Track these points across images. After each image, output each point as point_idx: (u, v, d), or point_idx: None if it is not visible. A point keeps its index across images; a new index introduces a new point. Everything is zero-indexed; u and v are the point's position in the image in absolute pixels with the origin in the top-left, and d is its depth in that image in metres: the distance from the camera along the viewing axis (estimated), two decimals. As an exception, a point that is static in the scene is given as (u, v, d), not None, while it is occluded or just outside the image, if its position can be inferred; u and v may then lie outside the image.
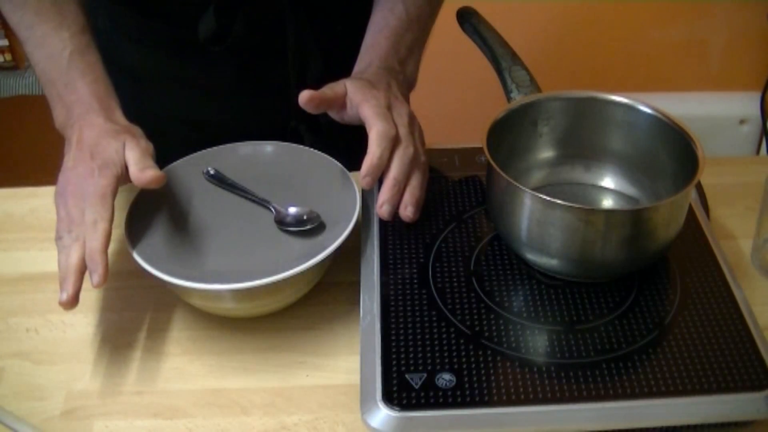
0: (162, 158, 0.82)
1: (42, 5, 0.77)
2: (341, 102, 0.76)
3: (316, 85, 0.77)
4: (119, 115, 0.76)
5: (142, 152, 0.72)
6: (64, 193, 0.71)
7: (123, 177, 0.71)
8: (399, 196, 0.73)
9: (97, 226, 0.68)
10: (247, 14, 0.87)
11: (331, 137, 0.77)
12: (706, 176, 0.70)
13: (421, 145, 0.77)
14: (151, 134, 0.99)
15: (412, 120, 0.77)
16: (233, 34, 0.87)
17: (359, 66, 0.83)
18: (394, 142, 0.73)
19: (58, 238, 0.69)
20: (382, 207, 0.72)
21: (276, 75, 0.92)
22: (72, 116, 0.75)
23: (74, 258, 0.67)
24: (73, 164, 0.71)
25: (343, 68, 0.82)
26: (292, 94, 0.93)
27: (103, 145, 0.71)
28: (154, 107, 0.96)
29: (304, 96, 0.75)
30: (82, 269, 0.67)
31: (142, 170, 0.70)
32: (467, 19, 0.89)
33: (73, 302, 0.66)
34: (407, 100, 0.82)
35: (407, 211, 0.73)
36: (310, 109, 0.75)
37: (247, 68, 0.92)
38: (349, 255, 0.75)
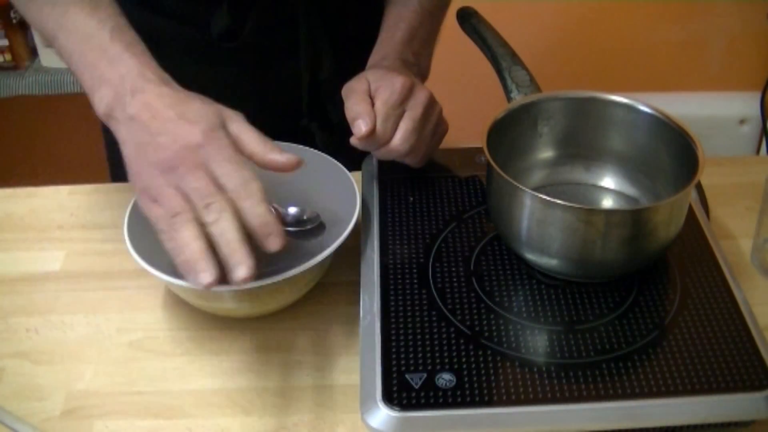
0: None
1: None
2: (371, 102, 0.76)
3: (331, 85, 0.76)
4: (180, 87, 0.66)
5: (253, 129, 0.62)
6: (175, 169, 0.60)
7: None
8: (387, 132, 0.74)
9: (249, 187, 0.59)
10: (261, 11, 0.87)
11: (343, 136, 0.77)
12: (706, 176, 0.70)
13: (440, 118, 0.80)
14: None
15: (432, 101, 0.78)
16: (246, 31, 0.87)
17: (374, 59, 0.83)
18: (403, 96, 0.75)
19: (174, 215, 0.59)
20: (356, 120, 0.74)
21: (288, 73, 0.92)
22: (124, 91, 0.64)
23: (232, 230, 0.58)
24: (161, 133, 0.61)
25: (355, 66, 0.82)
26: (304, 92, 0.93)
27: (195, 107, 0.62)
28: None
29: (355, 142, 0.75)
30: (245, 237, 0.59)
31: (271, 151, 0.62)
32: (467, 19, 0.89)
33: (253, 275, 0.58)
34: None
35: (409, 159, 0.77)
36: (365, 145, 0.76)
37: (259, 66, 0.92)
38: (349, 255, 0.75)
